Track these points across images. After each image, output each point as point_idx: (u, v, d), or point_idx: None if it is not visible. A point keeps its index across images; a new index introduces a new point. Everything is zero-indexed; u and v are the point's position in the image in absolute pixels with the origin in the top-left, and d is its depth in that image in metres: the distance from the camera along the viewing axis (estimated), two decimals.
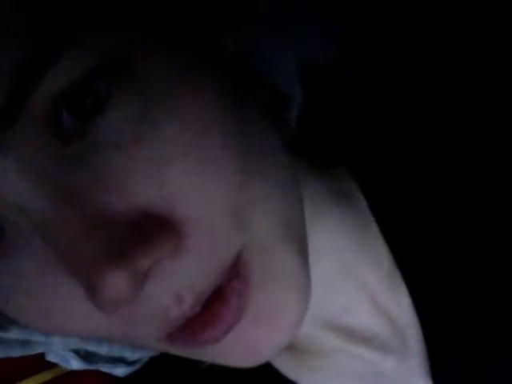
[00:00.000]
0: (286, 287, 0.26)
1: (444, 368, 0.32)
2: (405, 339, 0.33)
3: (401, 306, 0.33)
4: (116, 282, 0.21)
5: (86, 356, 0.37)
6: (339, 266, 0.33)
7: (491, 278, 0.32)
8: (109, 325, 0.24)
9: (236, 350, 0.26)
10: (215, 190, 0.23)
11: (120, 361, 0.38)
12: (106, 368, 0.38)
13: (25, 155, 0.21)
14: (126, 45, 0.22)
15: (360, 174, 0.34)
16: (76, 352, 0.37)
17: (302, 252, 0.27)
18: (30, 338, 0.34)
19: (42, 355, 0.37)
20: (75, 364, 0.37)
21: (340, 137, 0.35)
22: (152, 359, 0.38)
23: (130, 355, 0.37)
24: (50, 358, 0.37)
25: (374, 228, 0.33)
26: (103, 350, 0.37)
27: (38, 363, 0.39)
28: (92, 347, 0.36)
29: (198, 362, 0.31)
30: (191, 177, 0.23)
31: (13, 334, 0.33)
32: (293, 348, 0.34)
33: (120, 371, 0.38)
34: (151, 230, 0.22)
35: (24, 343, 0.35)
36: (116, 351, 0.37)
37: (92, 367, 0.38)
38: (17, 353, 0.35)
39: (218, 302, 0.24)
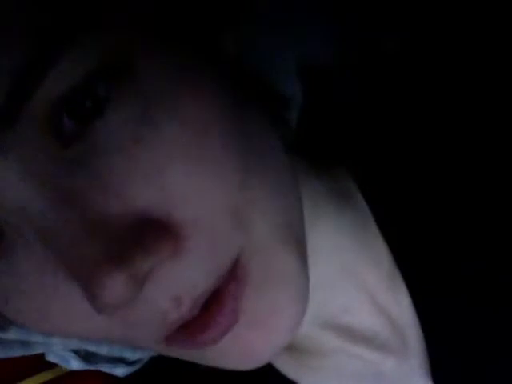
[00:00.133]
0: (284, 288, 0.26)
1: (444, 368, 0.32)
2: (405, 339, 0.33)
3: (401, 305, 0.33)
4: (115, 285, 0.21)
5: (86, 356, 0.37)
6: (339, 266, 0.33)
7: (491, 277, 0.32)
8: (108, 326, 0.24)
9: (233, 352, 0.26)
10: (215, 189, 0.23)
11: (120, 361, 0.38)
12: (106, 368, 0.38)
13: (25, 156, 0.21)
14: (126, 45, 0.22)
15: (360, 174, 0.34)
16: (76, 352, 0.37)
17: (301, 253, 0.27)
18: (30, 339, 0.34)
19: (42, 355, 0.37)
20: (75, 364, 0.37)
21: (340, 137, 0.35)
22: (152, 359, 0.38)
23: (130, 355, 0.37)
24: (50, 358, 0.37)
25: (374, 228, 0.33)
26: (103, 350, 0.37)
27: (38, 363, 0.39)
28: (92, 347, 0.36)
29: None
30: (191, 177, 0.23)
31: (12, 334, 0.33)
32: (293, 348, 0.34)
33: (120, 371, 0.38)
34: (150, 234, 0.22)
35: (24, 343, 0.35)
36: (116, 351, 0.37)
37: (92, 367, 0.38)
38: (17, 353, 0.35)
39: (215, 304, 0.24)
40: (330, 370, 0.34)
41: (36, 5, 0.21)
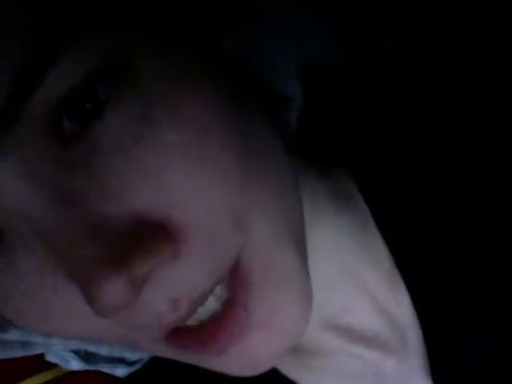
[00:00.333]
0: (285, 288, 0.26)
1: (444, 368, 0.32)
2: (405, 339, 0.33)
3: (401, 305, 0.33)
4: (114, 288, 0.21)
5: (86, 356, 0.37)
6: (339, 266, 0.33)
7: (491, 277, 0.32)
8: (108, 327, 0.24)
9: (237, 357, 0.25)
10: (215, 190, 0.23)
11: (120, 361, 0.38)
12: (106, 368, 0.38)
13: (25, 157, 0.21)
14: (126, 45, 0.22)
15: (359, 174, 0.34)
16: (76, 352, 0.37)
17: (301, 252, 0.27)
18: (30, 339, 0.34)
19: (42, 355, 0.37)
20: (75, 364, 0.37)
21: (340, 137, 0.35)
22: (152, 359, 0.38)
23: (130, 355, 0.37)
24: (50, 358, 0.37)
25: (374, 228, 0.33)
26: (103, 350, 0.37)
27: (38, 363, 0.39)
28: (92, 348, 0.36)
29: None
30: (191, 177, 0.23)
31: (12, 335, 0.33)
32: (293, 348, 0.34)
33: (120, 371, 0.38)
34: (150, 236, 0.22)
35: (24, 344, 0.35)
36: (116, 351, 0.37)
37: (92, 367, 0.38)
38: (17, 353, 0.35)
39: (227, 314, 0.24)
40: (330, 370, 0.34)
41: (36, 5, 0.21)
